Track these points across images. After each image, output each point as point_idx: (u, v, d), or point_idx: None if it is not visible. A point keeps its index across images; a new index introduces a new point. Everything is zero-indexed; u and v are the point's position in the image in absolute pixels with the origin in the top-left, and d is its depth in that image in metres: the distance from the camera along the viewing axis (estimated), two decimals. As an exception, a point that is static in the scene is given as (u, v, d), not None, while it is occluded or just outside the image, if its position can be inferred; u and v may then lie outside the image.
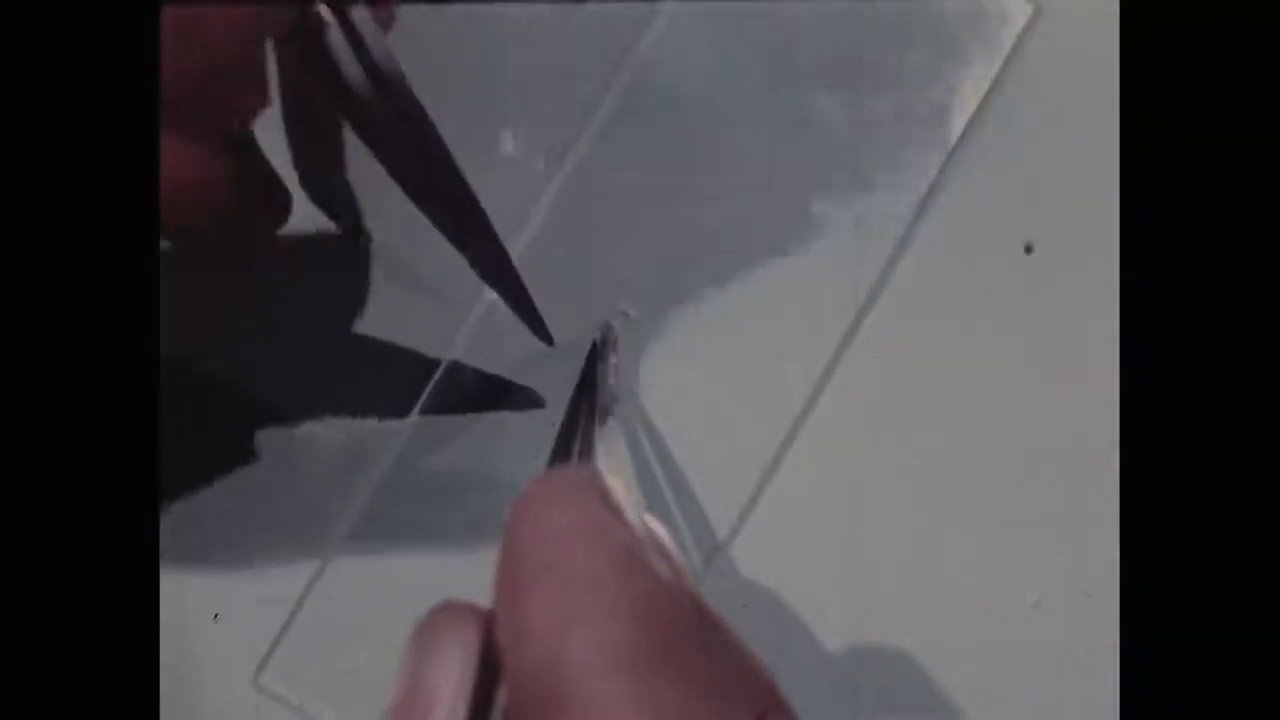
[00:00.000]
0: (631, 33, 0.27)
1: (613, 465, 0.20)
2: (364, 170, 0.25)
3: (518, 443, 0.26)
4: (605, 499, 0.17)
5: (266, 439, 0.26)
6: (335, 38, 0.22)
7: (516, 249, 0.26)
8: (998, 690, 0.22)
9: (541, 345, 0.25)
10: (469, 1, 0.27)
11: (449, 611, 0.17)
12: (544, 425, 0.25)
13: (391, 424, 0.26)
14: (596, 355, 0.25)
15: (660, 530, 0.17)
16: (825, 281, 0.26)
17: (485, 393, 0.25)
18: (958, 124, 0.26)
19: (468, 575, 0.17)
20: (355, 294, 0.26)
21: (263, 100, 0.23)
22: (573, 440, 0.23)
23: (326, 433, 0.26)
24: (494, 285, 0.25)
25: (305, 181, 0.25)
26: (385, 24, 0.23)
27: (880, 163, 0.26)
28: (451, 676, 0.16)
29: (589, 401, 0.24)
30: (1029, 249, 0.26)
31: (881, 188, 0.26)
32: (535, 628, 0.16)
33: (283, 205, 0.24)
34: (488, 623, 0.17)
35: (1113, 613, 0.17)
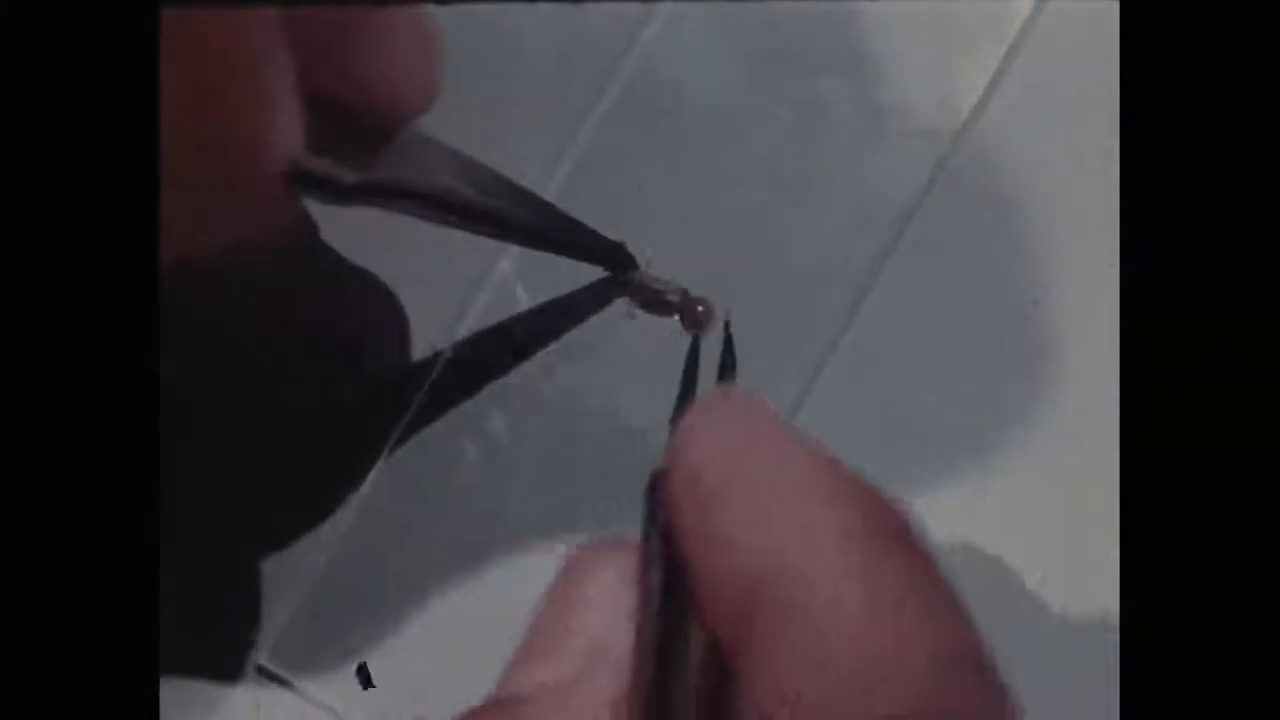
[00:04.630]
0: (631, 32, 0.27)
1: None
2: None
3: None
4: (769, 410, 0.17)
5: (274, 406, 0.26)
6: None
7: (517, 248, 0.26)
8: (1002, 669, 0.22)
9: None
10: (469, 1, 0.27)
11: (598, 543, 0.17)
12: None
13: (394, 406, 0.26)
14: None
15: None
16: (825, 274, 0.26)
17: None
18: (962, 116, 0.26)
19: (478, 559, 0.16)
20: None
21: None
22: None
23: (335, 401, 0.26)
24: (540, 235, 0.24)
25: None
26: None
27: (882, 154, 0.26)
28: (599, 602, 0.16)
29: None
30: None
31: (883, 179, 0.26)
32: (738, 530, 0.15)
33: None
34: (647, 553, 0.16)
35: (1115, 590, 0.17)
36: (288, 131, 0.19)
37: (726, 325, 0.26)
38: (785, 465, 0.16)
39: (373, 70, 0.20)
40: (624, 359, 0.26)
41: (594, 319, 0.26)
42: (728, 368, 0.23)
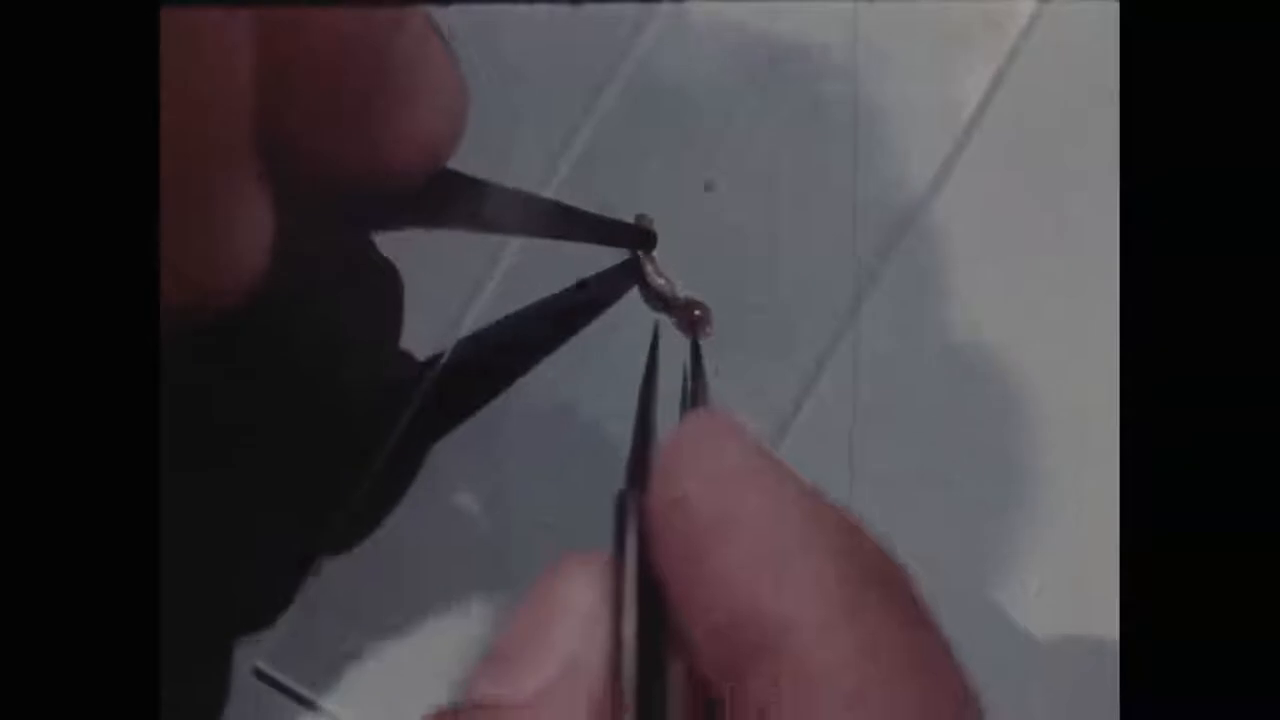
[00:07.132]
0: (631, 32, 0.27)
1: None
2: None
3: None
4: (757, 440, 0.16)
5: (267, 411, 0.26)
6: None
7: (516, 248, 0.26)
8: (999, 679, 0.22)
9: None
10: (469, 1, 0.27)
11: (575, 558, 0.16)
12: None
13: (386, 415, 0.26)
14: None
15: None
16: (825, 274, 0.26)
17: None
18: (963, 116, 0.26)
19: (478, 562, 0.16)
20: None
21: None
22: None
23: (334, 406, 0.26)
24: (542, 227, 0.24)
25: None
26: None
27: (882, 154, 0.26)
28: (576, 615, 0.16)
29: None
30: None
31: (883, 180, 0.26)
32: (736, 575, 0.15)
33: None
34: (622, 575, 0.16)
35: (1113, 601, 0.17)
36: (256, 254, 0.17)
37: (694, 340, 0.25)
38: (783, 508, 0.15)
39: (393, 153, 0.19)
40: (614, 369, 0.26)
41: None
42: (698, 376, 0.23)
